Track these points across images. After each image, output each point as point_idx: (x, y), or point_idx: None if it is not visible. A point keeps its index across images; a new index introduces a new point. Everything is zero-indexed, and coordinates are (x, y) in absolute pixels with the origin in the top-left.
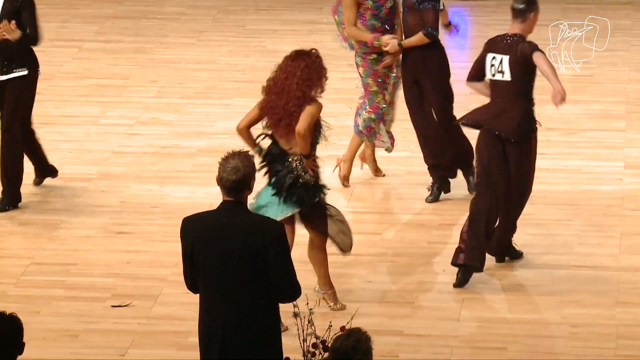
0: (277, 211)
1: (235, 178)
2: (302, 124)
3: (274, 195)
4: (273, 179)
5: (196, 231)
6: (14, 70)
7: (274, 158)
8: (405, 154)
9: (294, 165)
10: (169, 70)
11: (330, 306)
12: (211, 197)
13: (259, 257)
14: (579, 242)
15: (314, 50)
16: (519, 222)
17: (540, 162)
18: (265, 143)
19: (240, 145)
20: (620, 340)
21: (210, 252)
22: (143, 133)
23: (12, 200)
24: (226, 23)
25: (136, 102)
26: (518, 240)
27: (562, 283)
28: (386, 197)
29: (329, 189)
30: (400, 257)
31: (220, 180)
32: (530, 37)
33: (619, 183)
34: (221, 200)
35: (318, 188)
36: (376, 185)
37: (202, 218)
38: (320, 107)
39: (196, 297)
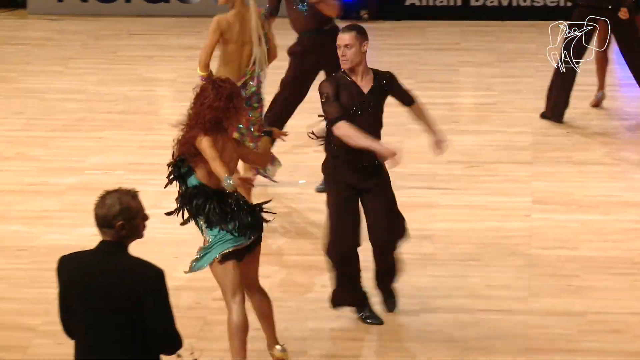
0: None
1: (98, 212)
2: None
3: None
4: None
5: (69, 272)
6: None
7: None
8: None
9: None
10: (35, 101)
11: None
12: (84, 239)
13: (136, 304)
14: (485, 284)
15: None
16: (415, 263)
17: (441, 198)
18: None
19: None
20: None
21: (82, 296)
22: (8, 169)
23: None
24: (96, 49)
25: None
26: (418, 282)
27: (467, 329)
28: (273, 236)
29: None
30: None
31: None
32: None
33: (526, 220)
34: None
35: None
36: None
37: (76, 258)
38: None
39: (71, 347)
